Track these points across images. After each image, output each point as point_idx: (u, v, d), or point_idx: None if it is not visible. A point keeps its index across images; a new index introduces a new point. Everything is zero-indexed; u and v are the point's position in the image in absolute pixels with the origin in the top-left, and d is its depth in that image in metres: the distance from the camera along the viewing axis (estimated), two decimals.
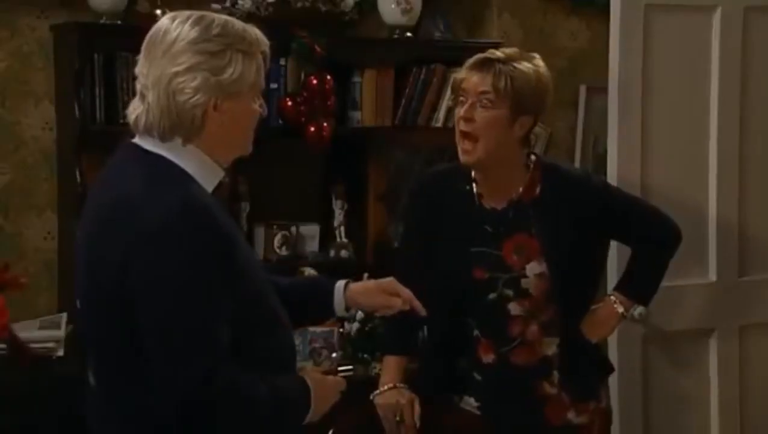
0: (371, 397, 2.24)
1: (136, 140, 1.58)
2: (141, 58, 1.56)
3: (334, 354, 1.67)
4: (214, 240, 1.49)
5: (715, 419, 3.08)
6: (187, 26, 1.53)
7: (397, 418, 2.21)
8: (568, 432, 2.26)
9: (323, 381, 1.63)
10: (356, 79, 3.19)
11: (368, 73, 3.19)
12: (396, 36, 3.23)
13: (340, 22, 3.17)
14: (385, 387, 2.22)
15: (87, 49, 2.84)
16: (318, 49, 3.01)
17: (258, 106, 1.61)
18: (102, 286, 1.51)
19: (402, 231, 2.47)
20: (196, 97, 1.52)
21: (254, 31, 1.58)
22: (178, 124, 1.53)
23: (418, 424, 2.21)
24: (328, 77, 3.05)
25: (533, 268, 2.20)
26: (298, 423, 1.59)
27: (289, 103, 3.04)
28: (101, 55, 2.84)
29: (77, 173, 2.84)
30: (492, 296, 2.20)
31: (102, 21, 2.90)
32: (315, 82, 3.03)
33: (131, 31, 3.11)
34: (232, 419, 1.49)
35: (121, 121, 2.97)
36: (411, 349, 2.29)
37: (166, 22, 1.55)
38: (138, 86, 1.57)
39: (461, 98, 2.15)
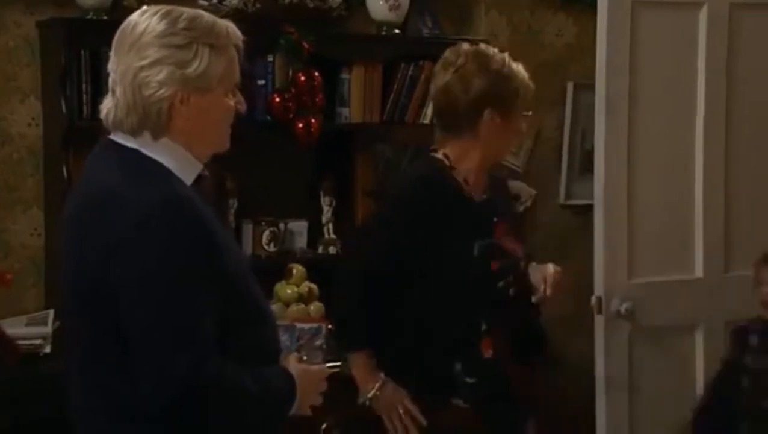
0: (364, 400, 2.23)
1: (112, 135, 1.58)
2: (112, 53, 1.56)
3: (322, 348, 1.66)
4: (196, 233, 1.49)
5: None
6: (154, 20, 1.52)
7: (401, 411, 2.20)
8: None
9: (307, 372, 1.62)
10: (344, 75, 3.19)
11: (356, 70, 3.19)
12: (384, 33, 3.23)
13: (328, 19, 3.17)
14: (377, 386, 2.21)
15: (73, 45, 2.83)
16: (306, 45, 3.02)
17: (233, 101, 1.59)
18: (85, 281, 1.51)
19: (384, 231, 2.25)
20: (161, 91, 1.51)
21: (225, 24, 1.57)
22: (145, 118, 1.52)
23: (421, 419, 2.22)
24: (316, 74, 3.05)
25: (520, 250, 2.27)
26: (283, 414, 1.59)
27: (277, 99, 3.04)
28: (87, 51, 2.83)
29: (64, 169, 2.83)
30: (501, 284, 2.24)
31: (88, 17, 2.90)
32: (303, 78, 3.03)
33: (117, 26, 3.14)
34: (218, 411, 1.49)
35: None
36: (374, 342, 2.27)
37: (135, 16, 1.55)
38: (110, 82, 1.56)
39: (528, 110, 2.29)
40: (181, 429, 1.49)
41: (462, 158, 2.24)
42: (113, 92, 1.55)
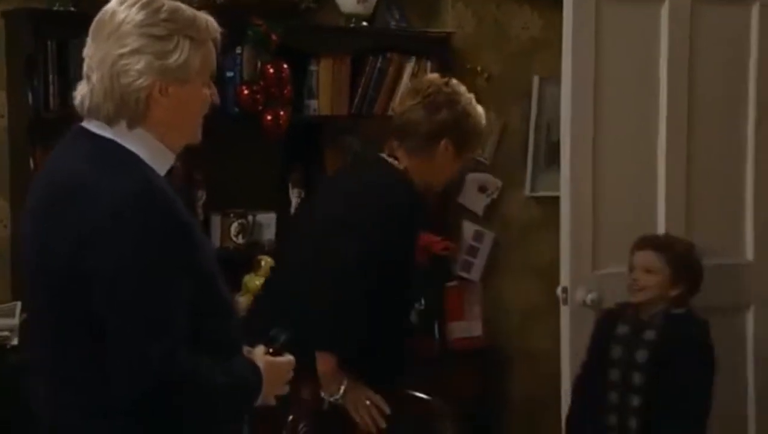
0: (333, 399, 2.28)
1: (85, 123, 1.56)
2: (88, 40, 1.55)
3: (286, 332, 1.68)
4: (171, 224, 1.49)
5: None
6: (134, 9, 1.52)
7: (367, 403, 2.26)
8: None
9: (272, 363, 1.64)
10: (313, 67, 3.19)
11: (324, 62, 3.19)
12: (352, 25, 3.24)
13: (297, 11, 3.17)
14: (344, 386, 2.27)
15: (40, 35, 2.81)
16: (274, 37, 3.01)
17: (209, 93, 1.60)
18: (55, 271, 1.49)
19: (375, 235, 2.30)
20: (140, 81, 1.50)
21: (205, 18, 1.57)
22: (122, 106, 1.51)
23: (386, 408, 2.29)
24: (285, 66, 3.06)
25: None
26: (250, 405, 1.61)
27: (246, 91, 3.04)
28: (54, 42, 2.81)
29: (30, 160, 2.81)
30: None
31: (55, 8, 2.87)
32: (271, 70, 3.04)
33: (84, 17, 3.09)
34: (190, 401, 1.50)
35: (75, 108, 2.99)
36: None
37: (114, 5, 1.54)
38: (84, 68, 1.55)
39: None
40: (153, 422, 1.48)
41: (413, 172, 2.38)
42: (88, 78, 1.54)
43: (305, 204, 2.65)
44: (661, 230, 3.10)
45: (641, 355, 2.66)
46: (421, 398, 2.36)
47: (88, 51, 1.55)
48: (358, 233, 2.25)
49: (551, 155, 3.42)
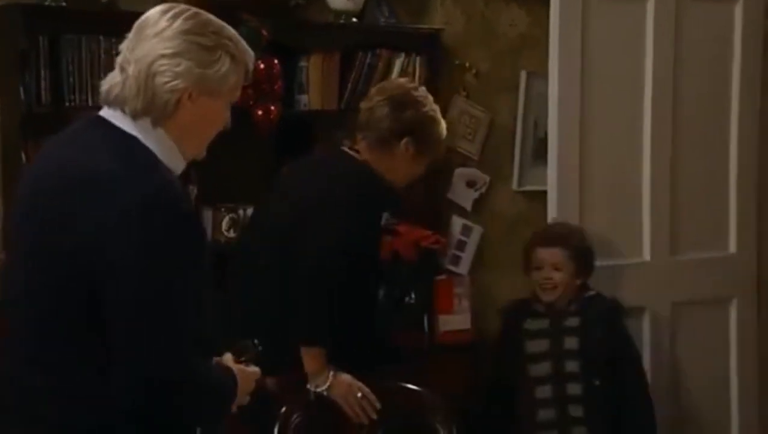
0: (318, 389, 2.31)
1: (105, 113, 1.57)
2: (129, 37, 1.58)
3: (257, 343, 1.70)
4: (191, 221, 1.52)
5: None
6: (181, 19, 1.55)
7: (359, 395, 2.30)
8: None
9: (243, 372, 1.66)
10: (303, 63, 3.21)
11: (314, 58, 3.21)
12: (342, 21, 3.26)
13: (287, 7, 3.19)
14: (330, 376, 2.31)
15: (32, 31, 2.81)
16: (265, 33, 3.03)
17: (228, 116, 1.64)
18: (65, 263, 1.48)
19: (355, 228, 2.37)
20: (174, 83, 1.53)
21: (246, 46, 1.63)
22: (151, 104, 1.54)
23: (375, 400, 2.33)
24: (275, 61, 3.07)
25: None
26: (228, 411, 1.63)
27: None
28: (46, 37, 2.81)
29: (22, 155, 2.82)
30: None
31: (47, 3, 2.87)
32: (262, 66, 3.05)
33: (76, 13, 3.13)
34: (191, 400, 1.52)
35: (67, 104, 3.00)
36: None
37: (156, 14, 1.57)
38: (119, 60, 1.57)
39: None
40: (149, 419, 1.49)
41: (374, 165, 2.42)
42: (122, 70, 1.56)
43: (263, 203, 2.62)
44: (647, 224, 3.15)
45: (570, 343, 2.71)
46: (412, 390, 2.40)
47: (127, 45, 1.57)
48: (332, 223, 2.28)
49: (539, 150, 3.46)
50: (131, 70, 1.55)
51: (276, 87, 3.08)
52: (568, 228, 2.86)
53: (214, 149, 3.05)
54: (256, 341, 1.71)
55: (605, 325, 2.74)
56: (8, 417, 1.56)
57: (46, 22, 2.84)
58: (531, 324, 2.77)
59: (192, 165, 3.05)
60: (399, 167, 2.43)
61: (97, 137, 1.56)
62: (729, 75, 3.17)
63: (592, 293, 2.81)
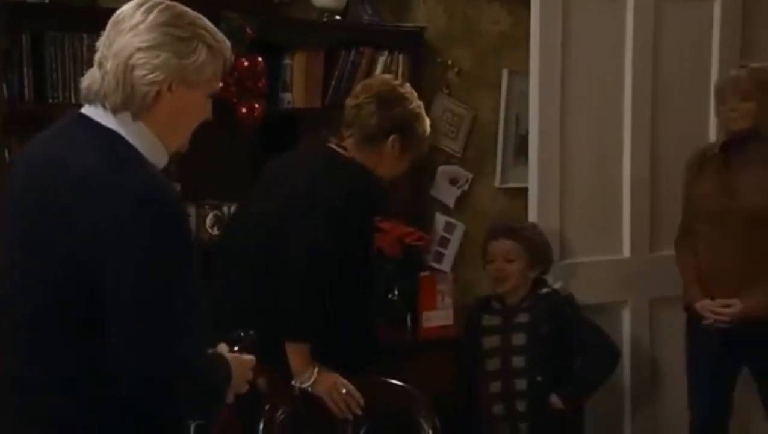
0: (303, 385, 2.33)
1: (87, 110, 1.58)
2: (105, 33, 1.59)
3: (251, 332, 1.71)
4: (182, 216, 1.54)
5: (627, 389, 3.24)
6: (156, 11, 1.56)
7: (344, 391, 2.32)
8: None
9: (237, 358, 1.67)
10: (287, 61, 3.22)
11: (298, 56, 3.22)
12: (325, 19, 3.28)
13: (271, 5, 3.20)
14: (315, 371, 2.32)
15: (14, 28, 2.81)
16: (249, 31, 3.04)
17: (209, 107, 1.65)
18: (62, 262, 1.49)
19: (349, 225, 2.38)
20: (153, 75, 1.54)
21: (223, 36, 1.64)
22: (130, 97, 1.55)
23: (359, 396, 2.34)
24: (259, 59, 3.08)
25: None
26: (224, 401, 1.64)
27: (221, 84, 3.07)
28: (29, 34, 2.82)
29: (6, 153, 2.82)
30: None
31: (29, 0, 2.87)
32: (246, 63, 3.06)
33: (59, 10, 3.13)
34: (190, 397, 1.54)
35: (51, 101, 3.00)
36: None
37: (130, 8, 1.58)
38: (96, 56, 1.58)
39: None
40: (142, 415, 1.51)
41: (361, 161, 2.43)
42: (100, 65, 1.56)
43: (246, 199, 2.62)
44: (626, 221, 3.19)
45: (518, 339, 2.75)
46: (396, 385, 2.41)
47: (104, 41, 1.58)
48: (323, 219, 2.28)
49: (520, 148, 3.48)
50: (109, 65, 1.55)
51: (260, 84, 3.09)
52: (519, 222, 2.93)
53: (198, 146, 3.06)
54: (251, 331, 1.72)
55: (552, 321, 2.76)
56: (8, 417, 1.56)
57: (28, 20, 2.84)
58: (487, 320, 2.83)
59: (176, 162, 3.11)
60: (385, 163, 2.44)
61: (79, 134, 1.57)
62: (708, 73, 3.21)
63: (546, 289, 2.83)
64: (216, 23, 3.18)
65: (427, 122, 2.49)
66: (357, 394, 2.35)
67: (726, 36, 3.20)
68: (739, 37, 3.24)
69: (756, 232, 2.66)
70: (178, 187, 3.13)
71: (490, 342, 2.79)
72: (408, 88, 2.48)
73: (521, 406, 2.73)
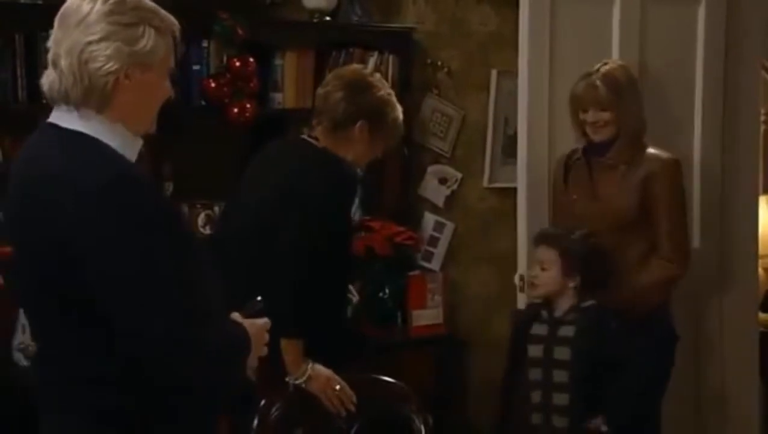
0: (297, 382, 2.35)
1: (53, 118, 1.60)
2: (54, 30, 1.60)
3: (259, 298, 1.75)
4: (153, 190, 1.56)
5: None
6: (99, 2, 1.58)
7: (338, 388, 2.34)
8: None
9: (253, 324, 1.70)
10: (278, 61, 3.24)
11: (289, 56, 3.25)
12: (316, 20, 3.30)
13: (262, 6, 3.22)
14: (308, 370, 2.35)
15: (7, 28, 2.82)
16: (240, 31, 3.06)
17: (168, 85, 1.67)
18: (47, 264, 1.53)
19: (330, 219, 2.41)
20: (108, 66, 1.56)
21: (165, 12, 1.65)
22: (90, 91, 1.56)
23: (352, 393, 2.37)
24: (251, 59, 3.11)
25: None
26: (243, 366, 1.67)
27: (212, 84, 3.09)
28: (22, 34, 2.83)
29: (0, 152, 2.84)
30: None
31: (22, 0, 2.88)
32: (237, 64, 3.08)
33: (52, 10, 3.11)
34: (198, 370, 1.56)
35: (44, 101, 2.99)
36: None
37: (76, 1, 1.59)
38: (49, 55, 1.60)
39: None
40: (157, 399, 1.54)
41: (332, 149, 2.45)
42: (55, 65, 1.58)
43: (232, 197, 2.64)
44: None
45: (560, 353, 2.65)
46: (388, 381, 2.43)
47: (54, 39, 1.60)
48: (304, 213, 2.31)
49: (509, 148, 3.51)
50: (63, 63, 1.56)
51: (251, 85, 3.11)
52: (563, 229, 2.79)
53: (189, 146, 3.09)
54: (259, 298, 1.74)
55: (594, 336, 2.63)
56: (48, 417, 1.63)
57: (21, 20, 2.85)
58: (536, 329, 2.73)
59: (167, 162, 3.13)
60: (356, 149, 2.45)
61: (46, 142, 1.59)
62: (692, 74, 3.24)
63: (590, 302, 2.69)
64: (209, 23, 3.23)
65: (398, 108, 2.49)
66: (350, 391, 2.37)
67: (710, 37, 3.24)
68: (723, 39, 3.27)
69: (620, 234, 2.73)
70: (170, 187, 3.16)
71: (535, 351, 2.69)
72: (378, 77, 2.50)
73: (559, 421, 2.65)
